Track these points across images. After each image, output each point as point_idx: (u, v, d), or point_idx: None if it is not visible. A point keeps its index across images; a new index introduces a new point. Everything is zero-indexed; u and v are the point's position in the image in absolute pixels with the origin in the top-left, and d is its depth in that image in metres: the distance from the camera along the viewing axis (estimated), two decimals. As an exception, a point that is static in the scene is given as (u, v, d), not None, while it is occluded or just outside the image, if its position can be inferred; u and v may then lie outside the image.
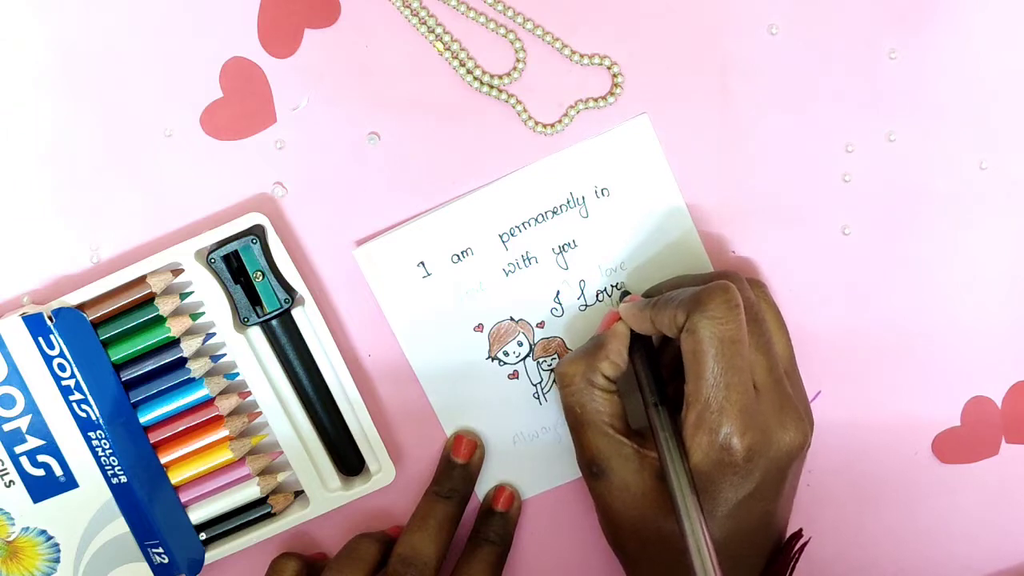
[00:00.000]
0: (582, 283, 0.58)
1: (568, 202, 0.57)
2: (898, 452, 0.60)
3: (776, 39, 0.57)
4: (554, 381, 0.58)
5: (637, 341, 0.54)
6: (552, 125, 0.57)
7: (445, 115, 0.57)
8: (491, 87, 0.56)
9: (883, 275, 0.58)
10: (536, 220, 0.57)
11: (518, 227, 0.57)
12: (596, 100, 0.57)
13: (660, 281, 0.56)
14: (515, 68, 0.56)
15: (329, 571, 0.55)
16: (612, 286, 0.58)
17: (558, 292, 0.58)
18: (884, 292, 0.59)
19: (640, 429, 0.53)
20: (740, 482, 0.50)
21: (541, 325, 0.58)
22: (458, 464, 0.57)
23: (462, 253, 0.57)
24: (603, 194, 0.57)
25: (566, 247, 0.57)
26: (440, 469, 0.58)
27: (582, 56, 0.56)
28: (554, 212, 0.57)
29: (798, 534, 0.54)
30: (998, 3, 0.57)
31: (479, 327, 0.58)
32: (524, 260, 0.57)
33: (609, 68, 0.57)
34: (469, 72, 0.56)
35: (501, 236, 0.57)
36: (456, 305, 0.57)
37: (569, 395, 0.53)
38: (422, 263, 0.57)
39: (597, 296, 0.58)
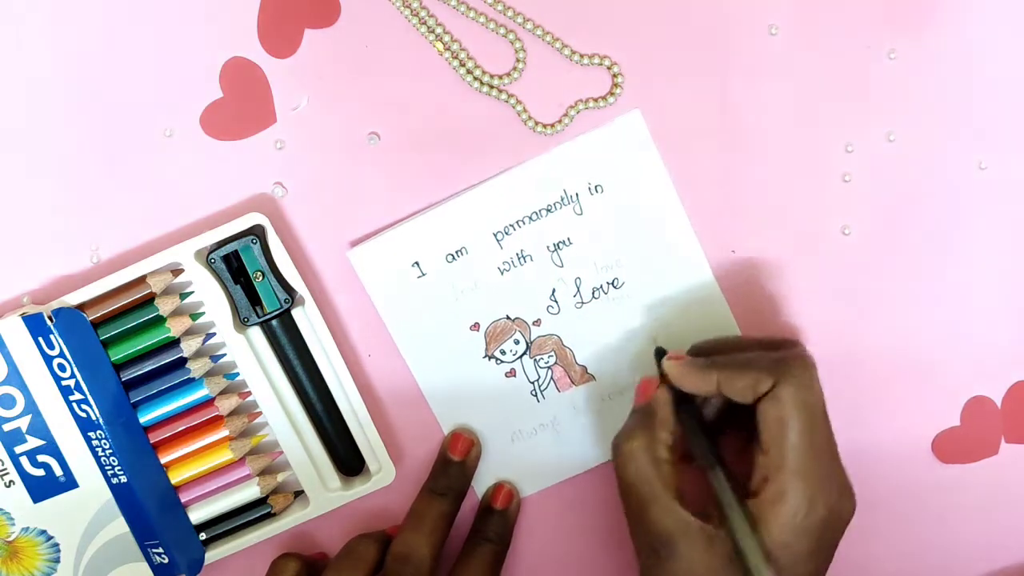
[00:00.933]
0: (577, 280, 0.58)
1: (562, 199, 0.57)
2: (898, 452, 0.60)
3: (776, 39, 0.57)
4: (616, 457, 0.53)
5: (681, 403, 0.53)
6: (552, 125, 0.57)
7: (445, 115, 0.57)
8: (491, 87, 0.56)
9: (883, 275, 0.58)
10: (530, 218, 0.57)
11: (512, 225, 0.57)
12: (596, 100, 0.57)
13: (697, 341, 0.55)
14: (515, 68, 0.56)
15: (329, 571, 0.55)
16: (608, 283, 0.58)
17: (554, 290, 0.58)
18: (884, 292, 0.59)
19: (698, 510, 0.51)
20: (815, 552, 0.50)
21: (537, 323, 0.58)
22: (454, 462, 0.57)
23: (456, 252, 0.57)
24: (597, 191, 0.57)
25: (561, 244, 0.57)
26: (436, 467, 0.58)
27: (582, 56, 0.56)
28: (548, 210, 0.57)
29: None
30: (998, 3, 0.57)
31: (475, 326, 0.58)
32: (519, 258, 0.57)
33: (609, 68, 0.57)
34: (469, 72, 0.56)
35: (495, 235, 0.57)
36: (452, 304, 0.57)
37: (634, 471, 0.51)
38: (417, 263, 0.57)
39: (593, 293, 0.58)
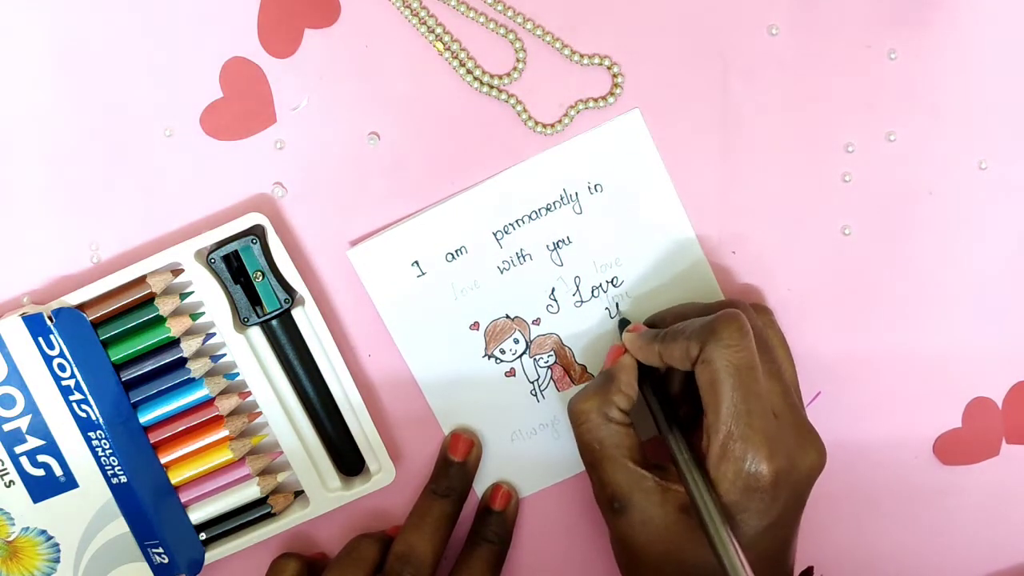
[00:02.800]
0: (577, 279, 0.58)
1: (561, 198, 0.57)
2: (899, 453, 0.60)
3: (776, 39, 0.57)
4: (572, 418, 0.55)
5: (644, 371, 0.54)
6: (552, 125, 0.57)
7: (445, 115, 0.57)
8: (491, 87, 0.56)
9: (883, 275, 0.58)
10: (530, 217, 0.57)
11: (512, 224, 0.57)
12: (596, 100, 0.57)
13: (662, 309, 0.56)
14: (515, 68, 0.56)
15: (330, 572, 0.55)
16: (607, 282, 0.58)
17: (553, 289, 0.58)
18: (884, 292, 0.59)
19: (657, 461, 0.53)
20: (765, 509, 0.50)
21: (537, 322, 0.58)
22: (455, 462, 0.57)
23: (456, 252, 0.57)
24: (596, 190, 0.57)
25: (560, 244, 0.57)
26: (437, 467, 0.58)
27: (582, 56, 0.56)
28: (548, 209, 0.57)
29: (810, 571, 0.54)
30: (998, 3, 0.57)
31: (475, 325, 0.58)
32: (519, 257, 0.57)
33: (609, 68, 0.57)
34: (469, 72, 0.56)
35: (495, 234, 0.57)
36: (451, 304, 0.57)
37: (585, 432, 0.52)
38: (416, 262, 0.57)
39: (592, 292, 0.58)
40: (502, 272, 0.58)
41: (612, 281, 0.58)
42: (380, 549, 0.56)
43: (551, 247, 0.57)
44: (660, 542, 0.51)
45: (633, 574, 0.53)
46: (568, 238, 0.57)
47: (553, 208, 0.57)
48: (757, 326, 0.52)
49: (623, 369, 0.53)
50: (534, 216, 0.57)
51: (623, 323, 0.57)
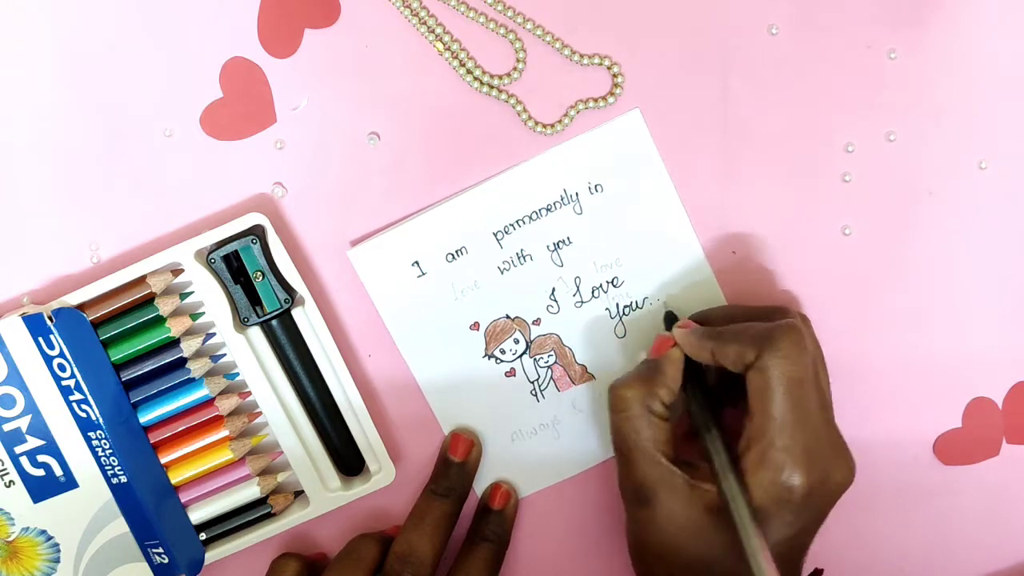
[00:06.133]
0: (577, 280, 0.58)
1: (562, 199, 0.57)
2: (899, 453, 0.60)
3: (776, 39, 0.57)
4: (610, 404, 0.55)
5: (689, 367, 0.54)
6: (552, 125, 0.57)
7: (445, 115, 0.57)
8: (491, 87, 0.56)
9: (883, 275, 0.58)
10: (530, 217, 0.57)
11: (512, 225, 0.57)
12: (596, 100, 0.57)
13: (708, 308, 0.56)
14: (515, 68, 0.56)
15: (330, 571, 0.55)
16: (607, 282, 0.58)
17: (553, 289, 0.58)
18: (884, 292, 0.59)
19: (687, 458, 0.53)
20: (792, 520, 0.50)
21: (537, 322, 0.58)
22: (455, 462, 0.57)
23: (456, 252, 0.57)
24: (597, 190, 0.57)
25: (561, 244, 0.57)
26: (437, 467, 0.58)
27: (582, 56, 0.56)
28: (548, 209, 0.57)
29: (818, 572, 0.54)
30: (998, 3, 0.57)
31: (475, 325, 0.58)
32: (519, 258, 0.57)
33: (609, 68, 0.57)
34: (469, 72, 0.56)
35: (495, 234, 0.57)
36: (451, 304, 0.57)
37: (624, 420, 0.52)
38: (416, 263, 0.57)
39: (592, 292, 0.58)
40: (502, 272, 0.58)
41: (612, 281, 0.58)
42: (380, 549, 0.56)
43: (551, 247, 0.57)
44: (679, 538, 0.51)
45: (646, 566, 0.53)
46: (568, 238, 0.57)
47: (553, 208, 0.57)
48: (814, 339, 0.52)
49: (671, 362, 0.53)
50: (534, 216, 0.57)
51: (669, 316, 0.57)
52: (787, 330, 0.50)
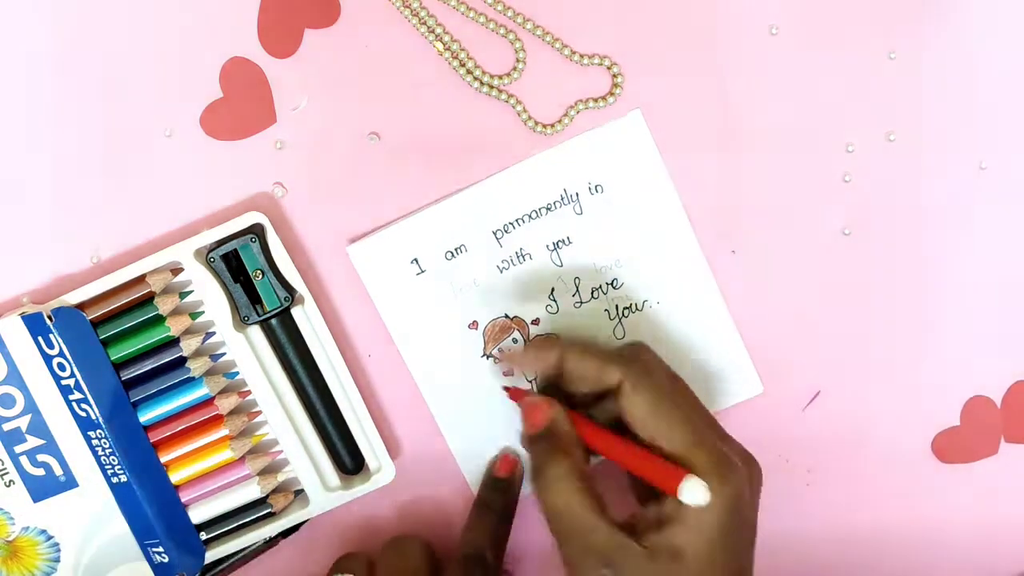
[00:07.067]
0: (577, 280, 0.58)
1: (562, 199, 0.57)
2: (898, 452, 0.60)
3: (776, 39, 0.57)
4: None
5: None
6: (552, 125, 0.57)
7: (445, 115, 0.57)
8: (491, 87, 0.56)
9: (883, 275, 0.58)
10: (530, 216, 0.57)
11: (512, 224, 0.57)
12: (596, 100, 0.57)
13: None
14: (515, 68, 0.56)
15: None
16: (607, 283, 0.58)
17: (553, 289, 0.58)
18: (884, 292, 0.59)
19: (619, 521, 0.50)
20: (750, 526, 0.50)
21: (536, 322, 0.58)
22: (500, 479, 0.57)
23: (456, 250, 0.57)
24: (597, 190, 0.57)
25: (560, 244, 0.57)
26: (484, 484, 0.58)
27: (582, 56, 0.56)
28: (548, 209, 0.57)
29: None
30: (998, 3, 0.57)
31: (473, 324, 0.58)
32: (518, 257, 0.57)
33: (609, 68, 0.57)
34: (469, 72, 0.56)
35: (495, 233, 0.57)
36: (450, 302, 0.57)
37: (563, 505, 0.49)
38: (415, 260, 0.57)
39: (592, 293, 0.58)
40: (501, 271, 0.58)
41: (612, 283, 0.58)
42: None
43: (551, 247, 0.57)
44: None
45: None
46: (568, 238, 0.57)
47: (553, 208, 0.57)
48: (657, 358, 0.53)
49: (562, 422, 0.51)
50: (534, 216, 0.57)
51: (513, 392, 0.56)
52: (636, 345, 0.52)
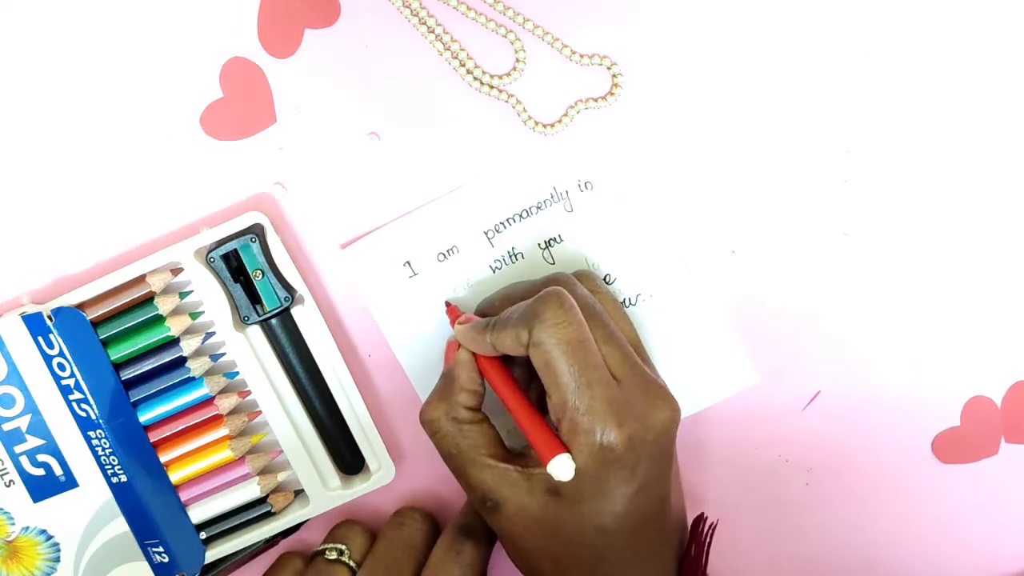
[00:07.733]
0: None
1: (552, 197, 0.57)
2: (898, 452, 0.60)
3: (776, 39, 0.57)
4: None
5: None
6: (552, 125, 0.57)
7: (445, 115, 0.57)
8: (491, 87, 0.56)
9: (883, 275, 0.58)
10: (521, 216, 0.57)
11: (503, 223, 0.57)
12: (596, 100, 0.57)
13: (494, 293, 0.56)
14: (515, 68, 0.56)
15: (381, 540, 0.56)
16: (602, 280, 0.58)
17: None
18: (884, 293, 0.59)
19: (520, 449, 0.52)
20: (629, 475, 0.50)
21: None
22: None
23: (448, 251, 0.57)
24: (586, 187, 0.57)
25: (552, 242, 0.57)
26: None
27: (582, 56, 0.56)
28: (538, 207, 0.57)
29: (701, 517, 0.54)
30: (997, 3, 0.57)
31: (467, 324, 0.58)
32: (510, 256, 0.57)
33: (609, 68, 0.57)
34: (469, 72, 0.56)
35: (486, 233, 0.57)
36: (444, 304, 0.57)
37: (440, 439, 0.52)
38: (408, 263, 0.57)
39: None
40: (494, 271, 0.57)
41: (604, 279, 0.58)
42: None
43: (543, 245, 0.57)
44: (539, 528, 0.51)
45: (523, 565, 0.53)
46: (559, 236, 0.57)
47: (544, 207, 0.57)
48: (582, 296, 0.52)
49: (461, 366, 0.53)
50: (525, 215, 0.57)
51: (451, 310, 0.56)
52: (548, 298, 0.50)
